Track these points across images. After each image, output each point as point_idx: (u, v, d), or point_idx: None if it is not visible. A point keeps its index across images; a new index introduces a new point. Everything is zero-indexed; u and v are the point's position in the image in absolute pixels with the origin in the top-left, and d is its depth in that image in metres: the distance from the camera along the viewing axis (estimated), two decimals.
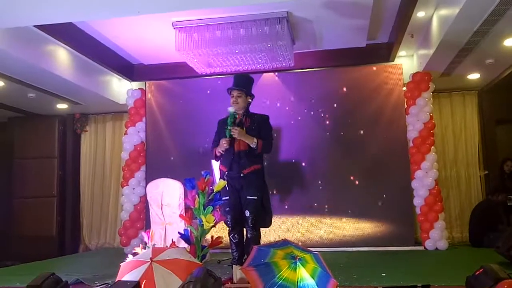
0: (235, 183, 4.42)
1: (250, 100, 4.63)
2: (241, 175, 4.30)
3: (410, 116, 6.76)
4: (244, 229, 4.51)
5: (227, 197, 4.37)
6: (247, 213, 4.31)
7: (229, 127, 4.38)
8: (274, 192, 6.83)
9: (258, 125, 4.56)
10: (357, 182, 6.78)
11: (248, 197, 4.32)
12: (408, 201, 6.66)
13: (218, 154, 4.54)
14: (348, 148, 6.88)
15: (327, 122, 6.97)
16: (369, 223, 6.68)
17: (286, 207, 6.88)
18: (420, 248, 6.50)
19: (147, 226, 6.70)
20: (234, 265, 3.98)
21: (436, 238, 6.41)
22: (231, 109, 4.45)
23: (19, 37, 5.36)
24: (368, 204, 6.69)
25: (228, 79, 7.04)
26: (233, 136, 4.40)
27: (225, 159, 4.51)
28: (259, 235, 4.43)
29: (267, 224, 4.60)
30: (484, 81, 7.36)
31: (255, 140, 4.42)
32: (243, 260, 4.27)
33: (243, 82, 4.60)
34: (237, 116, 4.55)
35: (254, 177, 4.44)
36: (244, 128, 4.47)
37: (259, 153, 4.55)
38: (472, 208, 7.17)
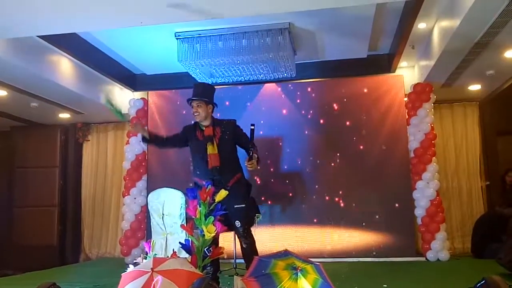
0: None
1: (212, 110, 4.40)
2: (227, 188, 3.96)
3: (411, 127, 6.78)
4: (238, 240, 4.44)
5: None
6: (238, 224, 4.20)
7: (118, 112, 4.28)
8: (275, 202, 6.86)
9: (231, 133, 4.36)
10: (358, 193, 6.77)
11: (236, 206, 4.19)
12: (409, 212, 6.64)
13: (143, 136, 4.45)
14: (349, 159, 6.89)
15: (328, 133, 6.99)
16: (370, 233, 6.67)
17: (287, 217, 6.88)
18: (422, 259, 6.48)
19: (148, 236, 6.69)
20: (235, 276, 3.96)
21: (438, 249, 6.39)
22: (104, 100, 4.33)
23: (22, 47, 5.40)
24: (370, 214, 6.68)
25: (230, 89, 7.10)
26: (250, 170, 4.25)
27: (203, 173, 4.30)
28: (254, 242, 4.32)
29: (254, 220, 4.53)
30: (485, 92, 7.38)
31: (256, 157, 4.24)
32: (217, 274, 4.25)
33: (202, 91, 4.40)
34: (204, 129, 4.33)
35: (238, 186, 4.30)
36: (217, 140, 4.27)
37: (238, 161, 4.42)
38: (473, 219, 7.16)
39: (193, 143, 4.38)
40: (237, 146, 4.46)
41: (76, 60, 6.33)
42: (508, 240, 5.43)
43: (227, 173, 4.27)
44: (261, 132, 6.98)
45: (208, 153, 4.23)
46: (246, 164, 4.21)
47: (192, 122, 4.54)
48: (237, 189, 4.24)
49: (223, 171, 4.26)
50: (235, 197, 4.16)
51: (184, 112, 7.29)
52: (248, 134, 4.32)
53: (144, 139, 4.48)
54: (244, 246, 4.27)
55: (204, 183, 3.94)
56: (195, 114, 4.32)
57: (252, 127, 4.25)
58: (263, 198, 6.71)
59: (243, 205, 4.26)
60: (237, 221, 4.21)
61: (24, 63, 5.50)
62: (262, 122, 6.99)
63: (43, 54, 5.84)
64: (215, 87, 6.77)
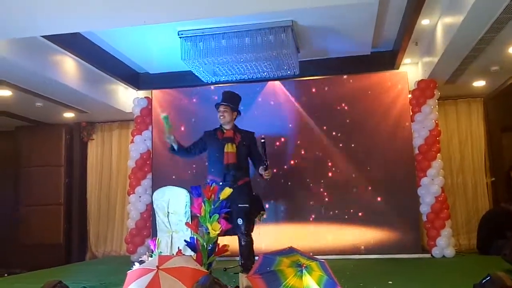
0: None
1: (235, 116, 4.78)
2: (234, 186, 4.28)
3: (416, 124, 6.76)
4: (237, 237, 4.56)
5: None
6: (240, 221, 4.40)
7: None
8: (280, 200, 6.86)
9: (248, 142, 4.72)
10: (363, 190, 6.77)
11: (240, 205, 4.40)
12: (414, 209, 6.64)
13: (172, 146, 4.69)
14: (354, 156, 6.88)
15: (332, 130, 6.98)
16: (375, 230, 6.66)
17: (292, 215, 6.89)
18: (427, 255, 6.47)
19: (153, 234, 6.71)
20: (240, 273, 4.00)
21: (443, 245, 6.39)
22: (163, 115, 4.67)
23: (26, 47, 5.42)
24: (375, 211, 6.67)
25: (233, 87, 7.10)
26: (266, 178, 4.61)
27: (217, 171, 4.61)
28: (252, 241, 4.51)
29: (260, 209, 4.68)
30: (489, 88, 7.35)
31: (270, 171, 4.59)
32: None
33: (229, 98, 4.79)
34: (225, 131, 4.69)
35: (245, 187, 4.59)
36: (236, 144, 4.62)
37: (248, 169, 4.73)
38: (479, 215, 7.15)
39: (212, 143, 4.70)
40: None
41: (80, 60, 6.34)
42: None
43: (238, 173, 4.52)
44: (263, 136, 7.01)
45: (225, 151, 4.57)
46: (263, 173, 4.54)
47: (208, 129, 4.86)
48: (243, 190, 4.50)
49: (237, 170, 4.53)
50: (241, 197, 4.40)
51: (187, 110, 7.34)
52: (260, 148, 4.65)
53: (172, 149, 4.74)
54: (242, 243, 4.44)
55: (219, 181, 4.17)
56: (221, 117, 4.70)
57: (263, 141, 4.59)
58: (267, 196, 6.70)
59: (247, 205, 4.45)
60: (240, 218, 4.39)
61: (28, 63, 5.52)
62: (266, 120, 6.99)
63: (47, 54, 5.85)
64: (219, 85, 6.86)
